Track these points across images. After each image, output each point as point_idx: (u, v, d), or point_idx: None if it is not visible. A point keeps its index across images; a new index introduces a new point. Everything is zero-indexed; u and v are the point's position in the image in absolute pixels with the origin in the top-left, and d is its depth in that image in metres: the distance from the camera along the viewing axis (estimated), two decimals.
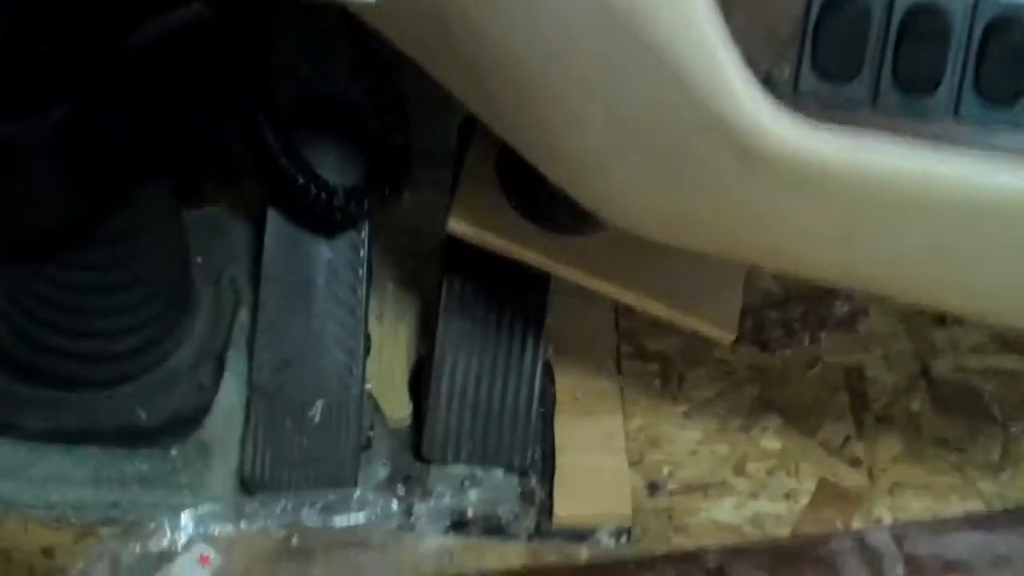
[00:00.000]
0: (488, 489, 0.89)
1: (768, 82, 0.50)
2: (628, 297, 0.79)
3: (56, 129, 0.67)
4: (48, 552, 0.85)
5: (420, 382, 0.93)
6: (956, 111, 0.47)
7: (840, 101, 0.47)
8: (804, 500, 0.91)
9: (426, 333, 0.96)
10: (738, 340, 0.98)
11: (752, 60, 0.48)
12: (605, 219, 0.62)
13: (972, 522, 0.90)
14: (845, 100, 0.47)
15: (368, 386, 0.90)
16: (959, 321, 1.03)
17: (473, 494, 0.89)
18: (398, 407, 0.93)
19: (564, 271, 0.79)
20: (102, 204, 0.76)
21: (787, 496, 0.91)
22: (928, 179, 0.48)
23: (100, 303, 0.82)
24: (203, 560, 0.84)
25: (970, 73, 0.47)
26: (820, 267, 0.55)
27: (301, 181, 0.81)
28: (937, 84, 0.48)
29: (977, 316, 0.62)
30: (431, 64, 0.62)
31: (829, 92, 0.48)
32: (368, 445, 0.89)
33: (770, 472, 0.92)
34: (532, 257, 0.79)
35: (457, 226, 0.78)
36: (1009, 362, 1.01)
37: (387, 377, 0.93)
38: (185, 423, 0.85)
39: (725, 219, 0.53)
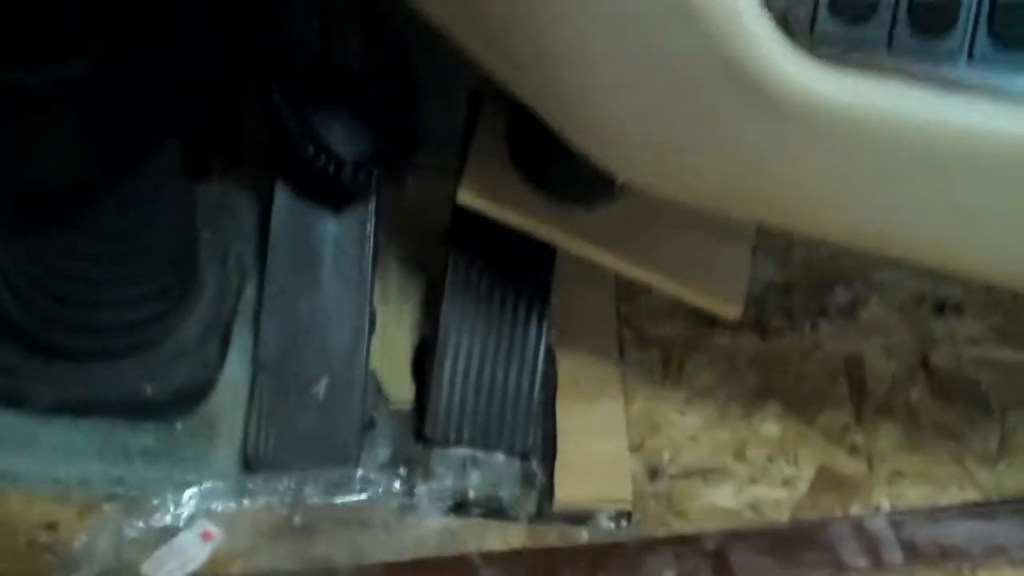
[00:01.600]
0: (489, 472, 0.89)
1: (785, 23, 0.50)
2: (634, 271, 0.80)
3: (78, 80, 0.68)
4: (52, 527, 0.85)
5: (423, 365, 0.94)
6: (970, 54, 0.48)
7: (856, 43, 0.48)
8: (803, 487, 0.91)
9: (430, 317, 0.97)
10: (739, 327, 1.00)
11: (769, 0, 0.49)
12: (618, 175, 0.62)
13: (969, 511, 0.91)
14: (861, 42, 0.48)
15: (372, 367, 0.91)
16: (958, 312, 1.04)
17: (475, 476, 0.89)
18: (401, 389, 0.93)
19: (572, 244, 0.80)
20: (117, 164, 0.76)
21: (786, 483, 0.92)
22: (941, 126, 0.49)
23: (111, 273, 0.83)
24: (206, 536, 0.84)
25: (984, 15, 0.48)
26: (831, 222, 0.55)
27: (311, 151, 0.81)
28: (952, 25, 0.49)
29: (989, 277, 0.62)
30: (446, 20, 0.63)
31: (845, 34, 0.49)
32: (371, 425, 0.89)
33: (770, 458, 0.93)
34: (541, 229, 0.79)
35: (467, 197, 0.78)
36: (1007, 353, 1.01)
37: (391, 359, 0.94)
38: (190, 398, 0.86)
39: (737, 170, 0.54)
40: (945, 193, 0.52)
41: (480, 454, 0.90)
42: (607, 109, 0.58)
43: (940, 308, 1.04)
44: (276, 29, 0.79)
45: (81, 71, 0.68)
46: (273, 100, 0.81)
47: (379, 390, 0.92)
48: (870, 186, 0.52)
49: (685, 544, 0.87)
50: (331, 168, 0.82)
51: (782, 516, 0.90)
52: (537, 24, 0.55)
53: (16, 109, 0.71)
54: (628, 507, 0.88)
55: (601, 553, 0.86)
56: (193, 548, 0.84)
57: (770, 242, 1.07)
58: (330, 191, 0.86)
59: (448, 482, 0.89)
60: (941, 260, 0.57)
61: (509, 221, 0.79)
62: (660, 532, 0.88)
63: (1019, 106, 0.50)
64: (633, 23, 0.52)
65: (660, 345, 0.99)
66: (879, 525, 0.89)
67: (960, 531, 0.89)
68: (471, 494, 0.89)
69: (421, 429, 0.90)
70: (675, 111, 0.54)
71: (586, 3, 0.52)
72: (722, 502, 0.90)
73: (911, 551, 0.87)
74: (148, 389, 0.85)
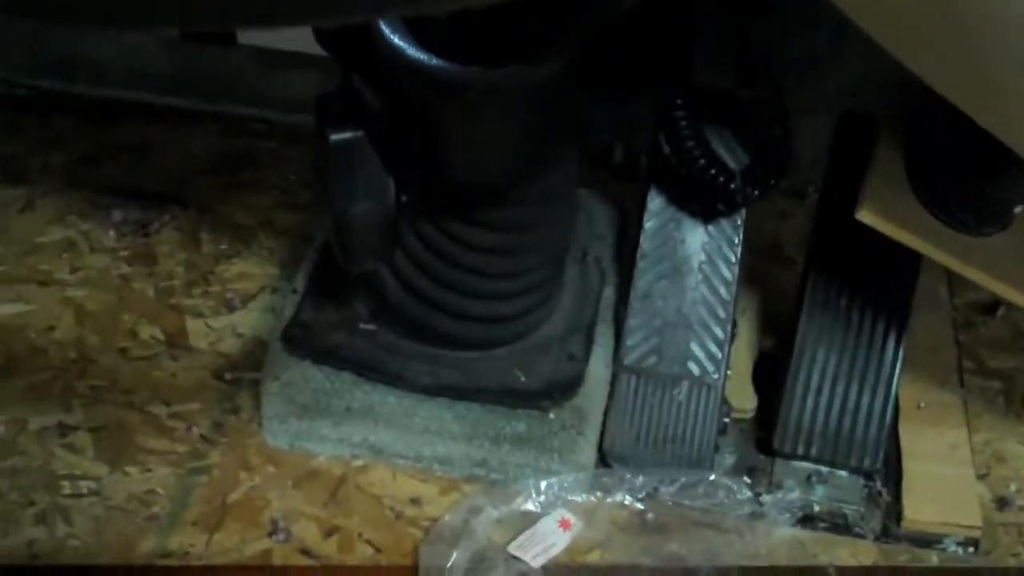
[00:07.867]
0: (834, 487, 0.90)
1: None
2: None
3: (545, 81, 0.71)
4: (416, 502, 0.88)
5: (766, 377, 0.95)
6: None
7: None
8: None
9: (768, 329, 0.98)
10: None
11: None
12: None
13: None
14: None
15: None
16: None
17: (820, 491, 0.90)
18: (743, 399, 0.94)
19: (965, 269, 0.80)
20: (535, 165, 0.80)
21: None
22: None
23: (499, 265, 0.86)
24: (564, 524, 0.87)
25: None
26: None
27: (703, 163, 0.84)
28: None
29: None
30: (909, 49, 0.63)
31: None
32: (724, 431, 0.91)
33: None
34: (936, 252, 0.80)
35: (867, 216, 0.80)
36: None
37: (732, 369, 0.95)
38: (561, 389, 0.88)
39: None
40: None
41: (824, 469, 0.91)
42: None
43: None
44: (684, 54, 0.82)
45: (547, 76, 0.71)
46: (675, 116, 0.83)
47: (724, 399, 0.94)
48: None
49: None
50: (720, 180, 0.85)
51: None
52: None
53: (472, 106, 0.74)
54: (977, 534, 0.88)
55: None
56: (554, 535, 0.87)
57: None
58: (707, 202, 0.88)
59: (795, 494, 0.90)
60: None
61: (905, 242, 0.80)
62: (1011, 562, 0.87)
63: None
64: None
65: (1001, 376, 0.99)
66: None
67: None
68: (816, 508, 0.89)
69: (766, 439, 0.91)
70: None
71: None
72: None
73: None
74: (521, 378, 0.88)
